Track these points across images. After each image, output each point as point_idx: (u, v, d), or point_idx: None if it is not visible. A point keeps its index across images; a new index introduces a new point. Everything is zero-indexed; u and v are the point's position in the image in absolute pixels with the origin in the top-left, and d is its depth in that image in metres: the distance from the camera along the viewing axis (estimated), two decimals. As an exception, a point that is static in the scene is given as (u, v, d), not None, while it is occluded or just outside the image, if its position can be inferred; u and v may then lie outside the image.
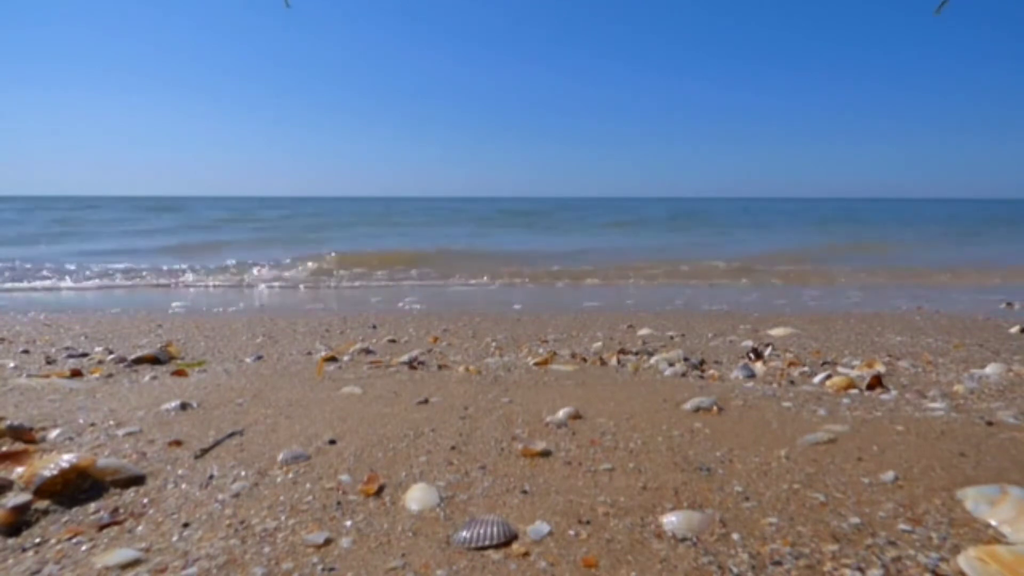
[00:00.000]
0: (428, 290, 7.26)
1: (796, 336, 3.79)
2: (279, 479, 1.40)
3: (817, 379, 2.50)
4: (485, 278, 8.15)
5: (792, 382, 2.49)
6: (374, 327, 4.29)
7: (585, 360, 3.06)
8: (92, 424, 1.77)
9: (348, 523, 1.20)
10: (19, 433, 1.62)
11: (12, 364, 2.88)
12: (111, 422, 1.79)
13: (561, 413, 1.88)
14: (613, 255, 11.32)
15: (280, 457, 1.51)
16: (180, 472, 1.44)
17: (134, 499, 1.30)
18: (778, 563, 1.05)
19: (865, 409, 1.98)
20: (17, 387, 2.25)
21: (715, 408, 1.96)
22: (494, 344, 3.59)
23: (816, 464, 1.48)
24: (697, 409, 1.96)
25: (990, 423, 1.80)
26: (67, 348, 3.38)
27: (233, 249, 12.47)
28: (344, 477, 1.41)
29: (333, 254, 10.66)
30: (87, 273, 8.48)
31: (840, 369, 2.76)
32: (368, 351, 3.28)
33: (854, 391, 2.29)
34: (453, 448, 1.60)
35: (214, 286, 7.63)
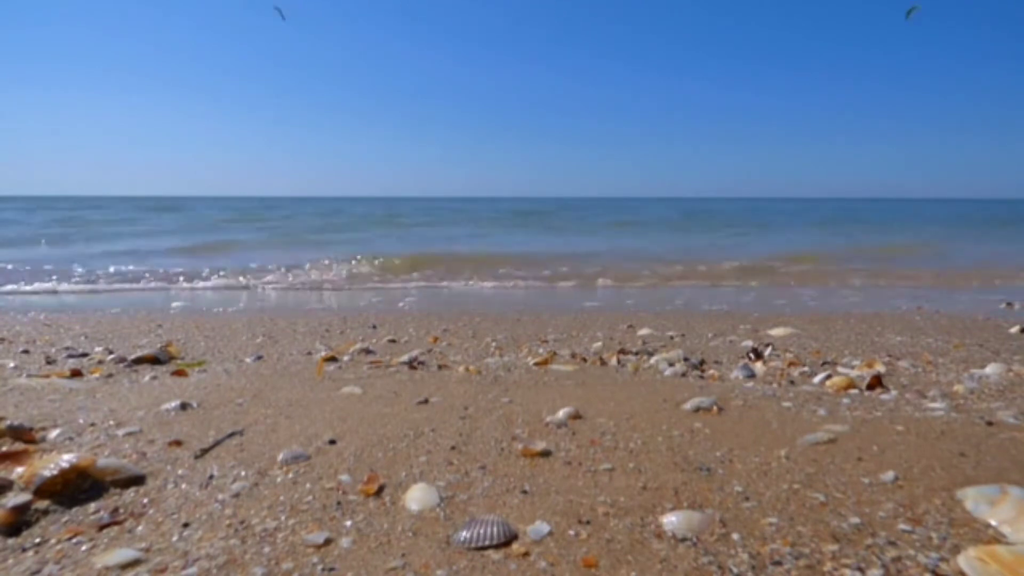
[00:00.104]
0: (479, 293, 7.03)
1: (796, 336, 3.79)
2: (279, 479, 1.40)
3: (817, 379, 2.50)
4: (539, 281, 7.91)
5: (792, 382, 2.49)
6: (374, 327, 4.29)
7: (585, 360, 3.06)
8: (92, 424, 1.77)
9: (348, 523, 1.20)
10: (19, 433, 1.62)
11: (12, 364, 2.88)
12: (111, 422, 1.79)
13: (561, 413, 1.88)
14: (633, 256, 11.06)
15: (280, 457, 1.51)
16: (180, 472, 1.44)
17: (134, 499, 1.30)
18: (778, 563, 1.05)
19: (865, 409, 1.98)
20: (17, 387, 2.25)
21: (715, 408, 1.96)
22: (494, 344, 3.59)
23: (816, 464, 1.48)
24: (697, 409, 1.96)
25: (990, 423, 1.80)
26: (67, 348, 3.38)
27: (261, 250, 12.22)
28: (344, 477, 1.41)
29: (358, 257, 10.36)
30: (117, 277, 8.23)
31: (840, 369, 2.76)
32: (368, 351, 3.28)
33: (854, 391, 2.29)
34: (453, 448, 1.60)
35: (263, 288, 7.41)
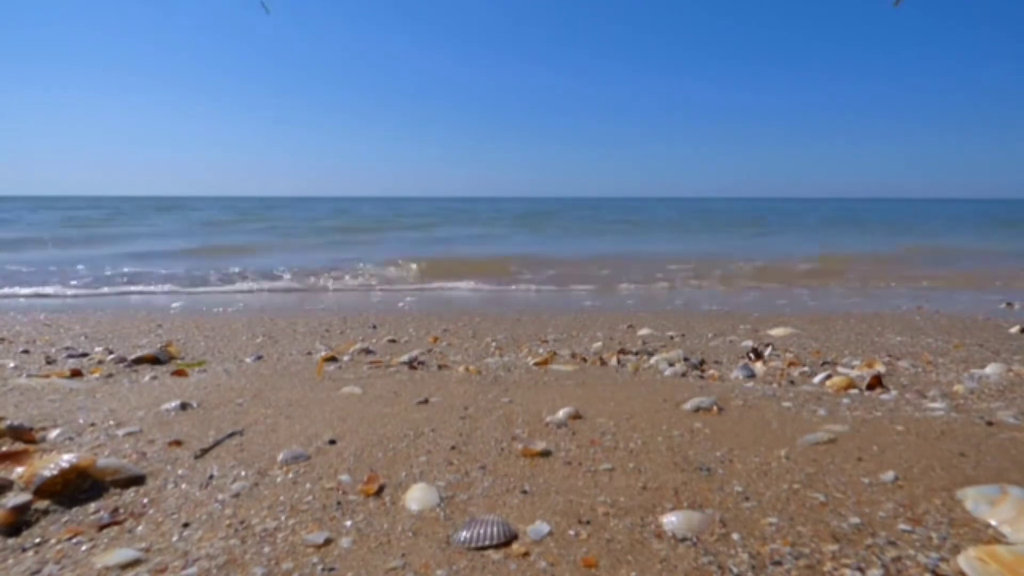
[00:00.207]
0: (550, 296, 6.84)
1: (796, 336, 3.79)
2: (279, 479, 1.40)
3: (817, 379, 2.50)
4: (595, 284, 7.66)
5: (792, 382, 2.49)
6: (374, 327, 4.29)
7: (585, 360, 3.06)
8: (92, 424, 1.77)
9: (348, 523, 1.20)
10: (19, 433, 1.62)
11: (12, 364, 2.88)
12: (111, 422, 1.79)
13: (561, 413, 1.88)
14: (686, 256, 10.72)
15: (280, 457, 1.51)
16: (180, 472, 1.44)
17: (134, 499, 1.30)
18: (778, 563, 1.05)
19: (865, 409, 1.98)
20: (17, 387, 2.25)
21: (715, 408, 1.96)
22: (494, 344, 3.59)
23: (816, 464, 1.48)
24: (697, 409, 1.96)
25: (990, 423, 1.80)
26: (67, 348, 3.38)
27: (284, 253, 11.92)
28: (344, 477, 1.41)
29: (402, 260, 9.85)
30: (209, 281, 7.89)
31: (840, 369, 2.76)
32: (368, 351, 3.28)
33: (854, 391, 2.29)
34: (453, 448, 1.60)
35: (333, 290, 7.26)
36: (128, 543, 1.13)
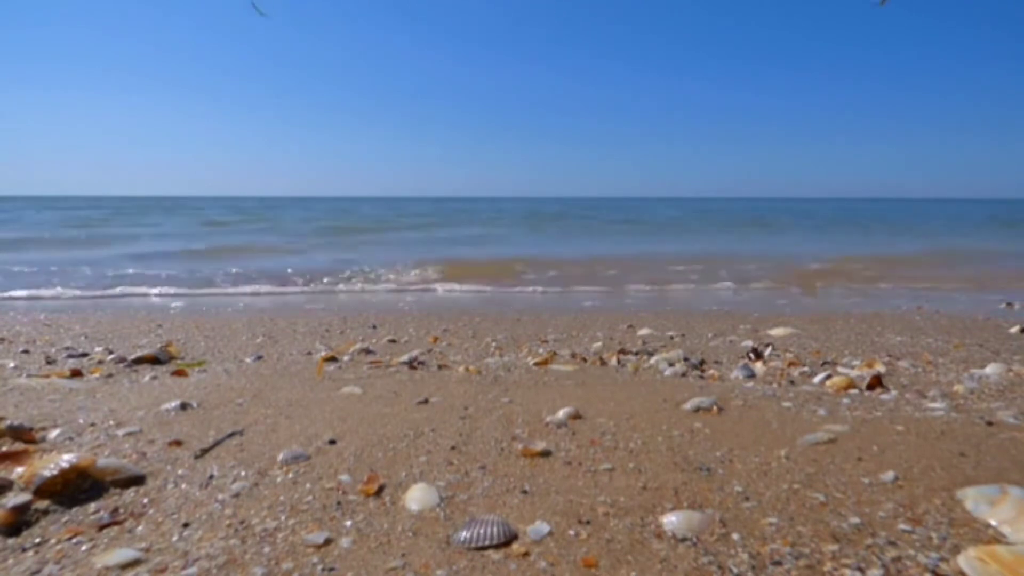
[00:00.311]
0: (606, 297, 6.75)
1: (796, 336, 3.79)
2: (279, 479, 1.40)
3: (817, 379, 2.50)
4: (653, 286, 7.54)
5: (792, 382, 2.49)
6: (374, 327, 4.29)
7: (585, 360, 3.06)
8: (92, 424, 1.77)
9: (348, 523, 1.20)
10: (19, 433, 1.62)
11: (12, 364, 2.88)
12: (111, 422, 1.79)
13: (561, 413, 1.88)
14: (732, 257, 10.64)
15: (280, 457, 1.51)
16: (180, 472, 1.44)
17: (134, 499, 1.30)
18: (778, 563, 1.05)
19: (865, 409, 1.98)
20: (17, 387, 2.25)
21: (715, 408, 1.96)
22: (494, 344, 3.59)
23: (816, 464, 1.48)
24: (697, 409, 1.96)
25: (990, 423, 1.80)
26: (67, 348, 3.38)
27: (301, 254, 11.82)
28: (344, 477, 1.41)
29: (403, 264, 9.64)
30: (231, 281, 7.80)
31: (840, 369, 2.76)
32: (368, 351, 3.28)
33: (854, 391, 2.29)
34: (453, 448, 1.60)
35: (335, 291, 7.19)
36: (128, 543, 1.13)
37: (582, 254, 11.94)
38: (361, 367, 2.83)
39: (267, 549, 1.10)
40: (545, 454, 1.56)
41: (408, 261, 9.96)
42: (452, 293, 7.18)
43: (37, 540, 1.14)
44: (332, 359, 3.03)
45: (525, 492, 1.34)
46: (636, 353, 3.24)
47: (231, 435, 1.69)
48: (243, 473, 1.43)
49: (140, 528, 1.18)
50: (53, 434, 1.67)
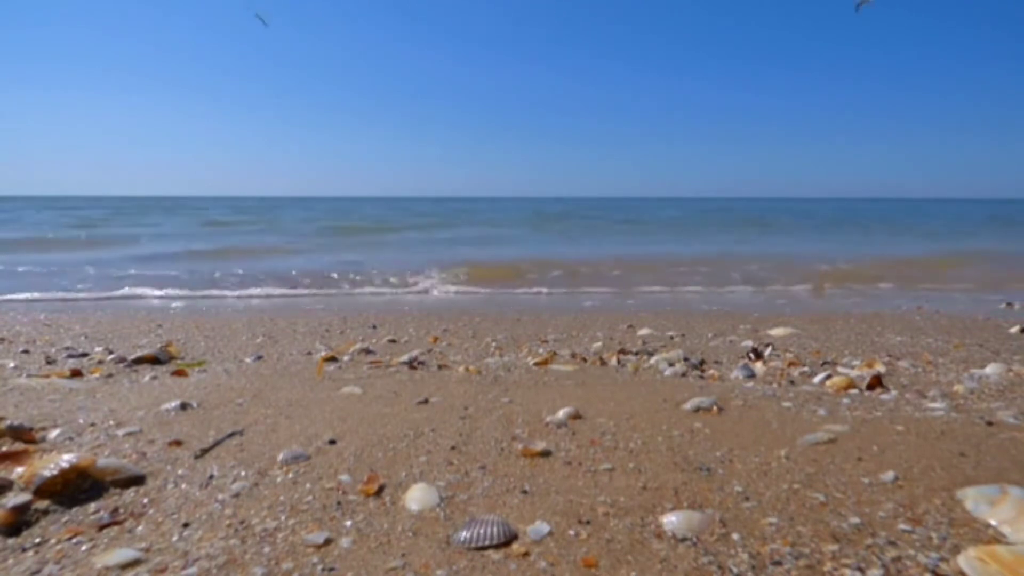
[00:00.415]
0: (610, 298, 6.68)
1: (796, 336, 3.79)
2: (279, 479, 1.40)
3: (817, 379, 2.50)
4: (702, 287, 7.49)
5: (792, 382, 2.49)
6: (374, 327, 4.29)
7: (585, 360, 3.06)
8: (92, 424, 1.77)
9: (348, 523, 1.20)
10: (19, 433, 1.62)
11: (12, 364, 2.88)
12: (111, 422, 1.79)
13: (561, 413, 1.88)
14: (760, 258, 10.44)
15: (280, 457, 1.51)
16: (180, 472, 1.44)
17: (134, 499, 1.30)
18: (778, 563, 1.05)
19: (865, 409, 1.98)
20: (17, 387, 2.25)
21: (715, 408, 1.96)
22: (494, 344, 3.59)
23: (816, 464, 1.48)
24: (697, 409, 1.96)
25: (990, 423, 1.80)
26: (67, 348, 3.38)
27: (310, 255, 11.68)
28: (344, 477, 1.41)
29: (409, 268, 9.35)
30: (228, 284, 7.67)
31: (840, 369, 2.76)
32: (368, 351, 3.28)
33: (854, 391, 2.29)
34: (453, 448, 1.60)
35: (336, 292, 7.10)
36: (128, 543, 1.13)
37: (594, 255, 11.79)
38: (361, 367, 2.83)
39: (267, 549, 1.10)
40: (545, 454, 1.56)
41: (415, 264, 9.82)
42: (448, 295, 7.19)
43: (37, 540, 1.14)
44: (332, 359, 3.03)
45: (525, 492, 1.34)
46: (636, 353, 3.24)
47: (231, 435, 1.69)
48: (243, 473, 1.43)
49: (140, 528, 1.18)
50: (53, 434, 1.67)
